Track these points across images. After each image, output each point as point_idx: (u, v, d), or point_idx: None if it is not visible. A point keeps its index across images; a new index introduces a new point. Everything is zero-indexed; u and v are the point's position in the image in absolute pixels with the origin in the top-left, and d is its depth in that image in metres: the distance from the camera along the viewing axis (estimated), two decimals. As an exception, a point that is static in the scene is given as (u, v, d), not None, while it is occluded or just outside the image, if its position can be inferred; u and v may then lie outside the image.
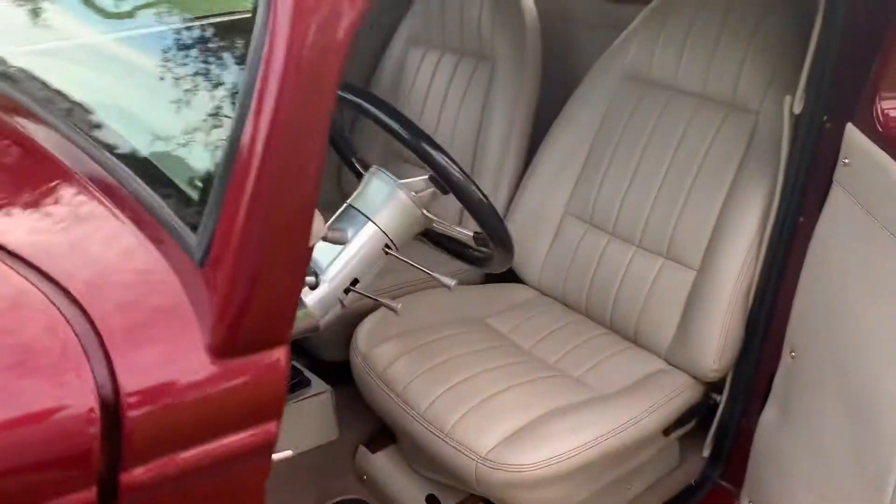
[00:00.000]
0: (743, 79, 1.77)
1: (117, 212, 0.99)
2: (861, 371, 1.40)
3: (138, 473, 0.83)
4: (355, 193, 1.46)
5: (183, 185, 1.02)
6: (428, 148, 1.33)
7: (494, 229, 1.40)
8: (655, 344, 1.86)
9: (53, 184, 1.07)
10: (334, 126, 1.57)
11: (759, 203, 1.67)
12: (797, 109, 1.52)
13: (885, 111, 1.35)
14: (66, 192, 1.05)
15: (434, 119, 2.37)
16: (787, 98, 1.54)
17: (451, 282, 1.47)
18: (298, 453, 1.93)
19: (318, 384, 1.97)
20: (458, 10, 2.32)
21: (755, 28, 1.74)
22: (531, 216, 2.10)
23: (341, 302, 1.43)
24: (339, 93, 1.39)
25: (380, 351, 1.80)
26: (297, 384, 1.90)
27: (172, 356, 0.85)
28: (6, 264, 0.90)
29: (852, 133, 1.40)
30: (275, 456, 0.98)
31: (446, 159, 1.33)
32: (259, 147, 0.82)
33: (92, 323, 0.84)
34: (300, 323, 1.45)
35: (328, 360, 2.05)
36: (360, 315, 1.94)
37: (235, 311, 0.83)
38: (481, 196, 1.36)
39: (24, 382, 0.80)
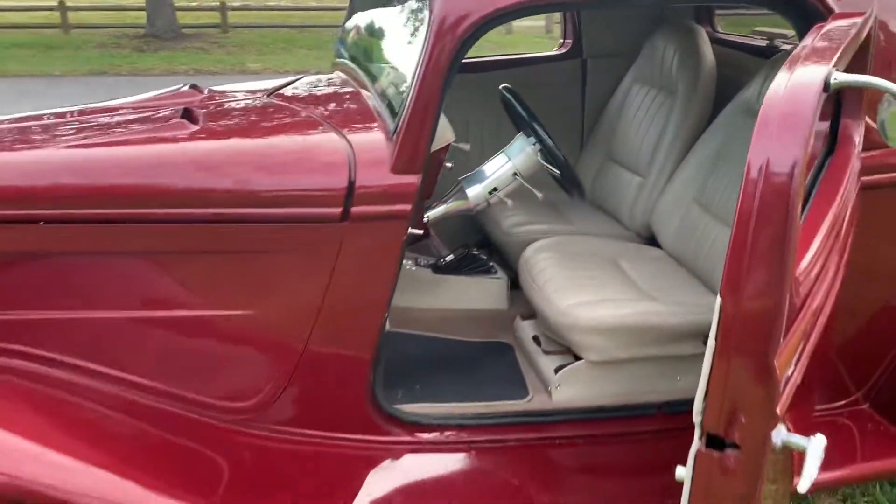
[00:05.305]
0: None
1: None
2: None
3: (358, 210, 2.13)
4: (509, 144, 2.69)
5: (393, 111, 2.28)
6: (540, 131, 2.54)
7: (565, 176, 2.56)
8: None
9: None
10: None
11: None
12: None
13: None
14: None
15: (633, 130, 3.40)
16: None
17: (539, 194, 2.61)
18: (476, 308, 3.14)
19: (500, 273, 3.15)
20: (661, 55, 3.33)
21: None
22: (672, 199, 3.04)
23: (488, 201, 2.68)
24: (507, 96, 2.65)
25: (538, 256, 2.91)
26: (484, 269, 3.11)
27: (379, 172, 2.13)
28: (334, 130, 2.27)
29: None
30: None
31: (545, 135, 2.54)
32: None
33: (354, 153, 2.17)
34: (460, 206, 2.70)
35: None
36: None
37: (396, 158, 2.10)
38: (563, 158, 2.54)
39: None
